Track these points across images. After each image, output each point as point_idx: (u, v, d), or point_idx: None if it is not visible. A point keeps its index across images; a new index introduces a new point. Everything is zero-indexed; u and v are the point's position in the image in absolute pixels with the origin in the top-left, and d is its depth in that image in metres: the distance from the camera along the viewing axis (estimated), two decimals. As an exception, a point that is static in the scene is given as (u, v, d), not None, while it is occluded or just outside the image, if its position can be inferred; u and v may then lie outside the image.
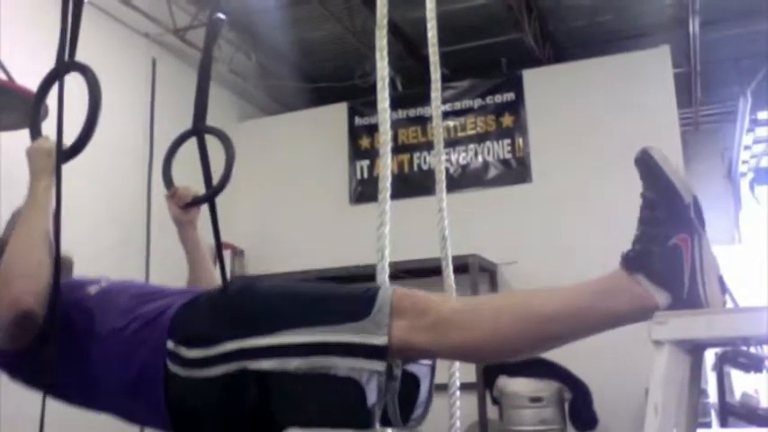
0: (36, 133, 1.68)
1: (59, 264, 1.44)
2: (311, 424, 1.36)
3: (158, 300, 1.51)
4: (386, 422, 1.38)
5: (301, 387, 1.26)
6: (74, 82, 1.60)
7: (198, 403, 1.37)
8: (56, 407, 1.45)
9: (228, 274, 5.87)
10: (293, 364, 1.26)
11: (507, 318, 1.26)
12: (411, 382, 1.40)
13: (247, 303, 1.38)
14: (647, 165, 1.25)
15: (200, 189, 2.06)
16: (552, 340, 1.28)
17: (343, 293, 1.35)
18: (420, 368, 1.42)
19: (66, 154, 1.53)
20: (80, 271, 4.37)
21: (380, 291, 1.30)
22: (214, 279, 1.98)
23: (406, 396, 1.38)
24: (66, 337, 1.45)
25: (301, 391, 1.26)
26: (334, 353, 1.24)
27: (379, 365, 1.24)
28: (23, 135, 1.76)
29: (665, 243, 1.20)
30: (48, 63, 1.70)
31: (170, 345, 1.37)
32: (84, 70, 1.59)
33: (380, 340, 1.24)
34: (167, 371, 1.37)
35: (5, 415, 3.48)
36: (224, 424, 1.38)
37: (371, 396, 1.24)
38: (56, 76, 1.60)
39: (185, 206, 1.99)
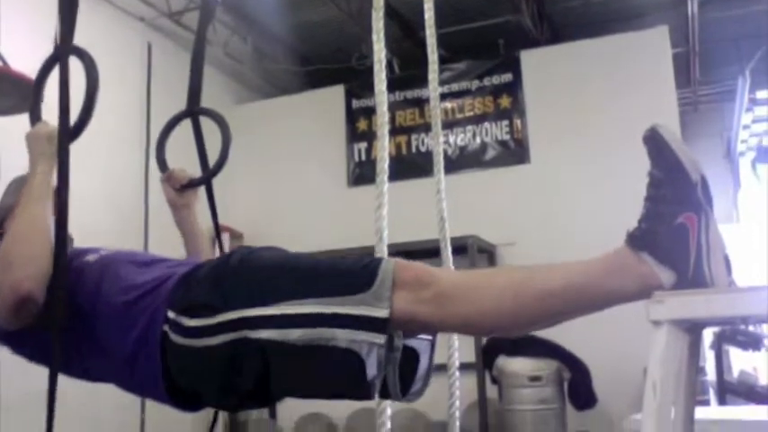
0: (36, 118, 1.67)
1: (65, 246, 1.42)
2: (310, 394, 1.37)
3: (159, 269, 1.50)
4: (385, 394, 1.39)
5: (301, 358, 1.26)
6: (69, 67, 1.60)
7: (197, 372, 1.37)
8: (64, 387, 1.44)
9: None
10: (294, 334, 1.25)
11: (510, 293, 1.26)
12: (411, 356, 1.40)
13: (249, 273, 1.37)
14: (655, 142, 1.23)
15: (195, 171, 2.06)
16: (553, 316, 1.28)
17: (345, 266, 1.34)
18: (420, 343, 1.42)
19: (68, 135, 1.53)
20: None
21: (382, 263, 1.30)
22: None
23: (406, 370, 1.39)
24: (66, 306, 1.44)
25: (301, 361, 1.26)
26: (336, 324, 1.24)
27: (380, 338, 1.24)
28: (18, 119, 1.76)
29: (672, 222, 1.20)
30: (42, 48, 1.69)
31: (171, 314, 1.37)
32: (82, 54, 1.59)
33: (382, 313, 1.24)
34: (167, 340, 1.37)
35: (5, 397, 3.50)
36: (221, 393, 1.38)
37: (371, 368, 1.24)
38: (55, 60, 1.60)
39: (181, 189, 1.98)
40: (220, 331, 1.31)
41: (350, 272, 1.31)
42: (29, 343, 1.53)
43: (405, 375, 1.39)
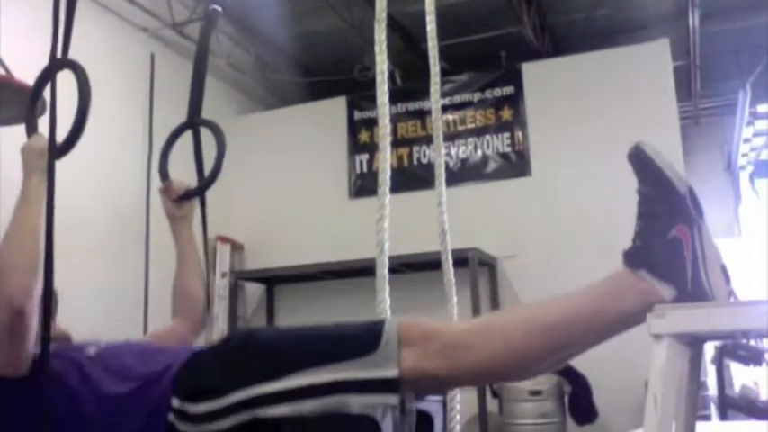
0: (32, 130, 1.67)
1: (52, 266, 1.38)
2: None
3: (160, 359, 1.47)
4: None
5: (317, 430, 1.23)
6: (69, 78, 1.59)
7: None
8: None
9: (228, 270, 5.82)
10: (307, 406, 1.23)
11: (516, 333, 1.25)
12: (424, 419, 1.38)
13: (252, 351, 1.34)
14: (639, 160, 1.24)
15: (194, 183, 2.07)
16: (564, 350, 1.26)
17: (348, 330, 1.32)
18: (431, 405, 1.40)
19: (57, 151, 1.51)
20: (81, 263, 4.38)
21: (386, 323, 1.28)
22: (199, 280, 1.96)
23: None
24: (65, 399, 1.40)
25: None
26: (347, 390, 1.23)
27: (393, 399, 1.22)
28: (22, 129, 1.76)
29: (665, 236, 1.20)
30: (45, 58, 1.70)
31: (175, 402, 1.33)
32: (75, 67, 1.58)
33: (392, 373, 1.22)
34: (174, 430, 1.33)
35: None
36: None
37: (387, 431, 1.22)
38: (49, 73, 1.59)
39: (178, 199, 1.99)
40: (229, 413, 1.27)
41: (354, 335, 1.29)
42: (10, 404, 1.46)
43: None
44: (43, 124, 1.70)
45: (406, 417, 1.28)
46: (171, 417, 1.34)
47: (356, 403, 1.22)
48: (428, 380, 1.27)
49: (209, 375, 1.34)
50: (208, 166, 2.05)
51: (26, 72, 2.90)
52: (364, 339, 1.26)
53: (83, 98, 1.56)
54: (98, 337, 1.66)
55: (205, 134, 2.09)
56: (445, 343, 1.25)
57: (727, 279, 1.21)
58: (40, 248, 1.42)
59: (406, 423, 1.29)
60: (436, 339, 1.25)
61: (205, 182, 2.02)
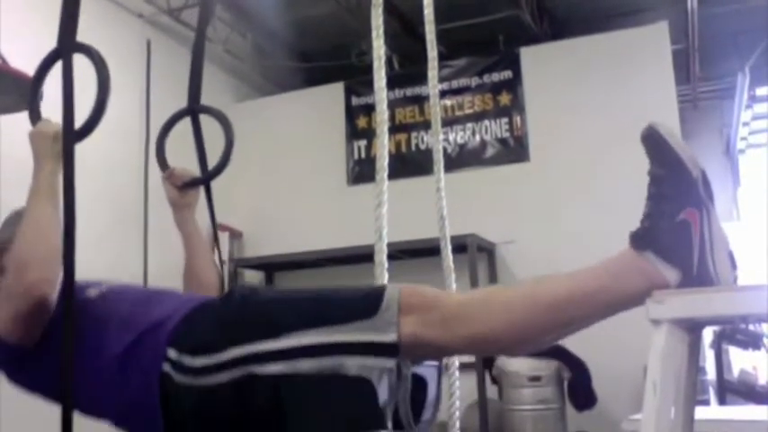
0: (35, 117, 1.63)
1: (73, 253, 1.35)
2: (323, 427, 1.31)
3: (159, 308, 1.46)
4: (397, 425, 1.36)
5: (312, 389, 1.24)
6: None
7: (202, 412, 1.33)
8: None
9: (227, 257, 5.78)
10: (304, 365, 1.24)
11: (518, 306, 1.25)
12: (419, 384, 1.39)
13: (253, 310, 1.35)
14: (654, 141, 1.22)
15: (197, 170, 2.04)
16: (565, 326, 1.26)
17: (349, 294, 1.33)
18: (427, 370, 1.41)
19: (76, 135, 1.46)
20: (80, 255, 4.38)
21: (387, 289, 1.29)
22: (211, 266, 1.94)
23: (415, 398, 1.38)
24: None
25: (312, 392, 1.24)
26: (344, 352, 1.23)
27: (390, 363, 1.23)
28: (18, 117, 1.74)
29: (674, 219, 1.19)
30: (41, 46, 1.68)
31: (172, 354, 1.34)
32: (90, 51, 1.53)
33: (390, 337, 1.23)
34: (169, 381, 1.33)
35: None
36: None
37: (383, 394, 1.23)
38: (57, 57, 1.55)
39: (182, 187, 1.94)
40: (226, 369, 1.28)
41: (354, 299, 1.30)
42: (31, 366, 1.48)
43: (414, 403, 1.37)
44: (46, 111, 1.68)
45: (401, 381, 1.30)
46: (166, 367, 1.34)
47: (353, 365, 1.23)
48: (426, 347, 1.28)
49: (208, 331, 1.35)
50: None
51: (22, 62, 2.89)
52: (364, 303, 1.27)
53: (102, 82, 1.51)
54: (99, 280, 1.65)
55: (205, 121, 2.05)
56: (445, 313, 1.25)
57: (734, 266, 1.20)
58: (58, 237, 1.39)
59: (402, 387, 1.31)
60: (437, 309, 1.26)
61: (214, 170, 1.97)
